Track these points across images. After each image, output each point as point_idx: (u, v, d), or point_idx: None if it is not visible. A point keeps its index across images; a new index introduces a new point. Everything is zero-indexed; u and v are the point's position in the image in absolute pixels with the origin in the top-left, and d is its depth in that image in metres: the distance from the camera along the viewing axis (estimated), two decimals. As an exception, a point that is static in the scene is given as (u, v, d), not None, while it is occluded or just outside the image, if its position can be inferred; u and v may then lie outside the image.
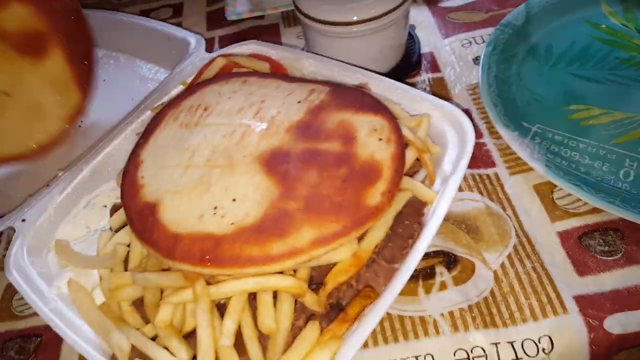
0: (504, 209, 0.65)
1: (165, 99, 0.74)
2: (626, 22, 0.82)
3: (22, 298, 0.60)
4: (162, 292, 0.52)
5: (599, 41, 0.80)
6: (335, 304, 0.49)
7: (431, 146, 0.61)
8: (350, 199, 0.49)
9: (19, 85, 0.72)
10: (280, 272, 0.49)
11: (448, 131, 0.62)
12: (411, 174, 0.59)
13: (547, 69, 0.78)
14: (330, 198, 0.49)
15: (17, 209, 0.63)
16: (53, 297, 0.56)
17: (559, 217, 0.63)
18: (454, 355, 0.54)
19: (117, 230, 0.60)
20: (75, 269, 0.59)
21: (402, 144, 0.56)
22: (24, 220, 0.62)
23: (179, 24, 1.02)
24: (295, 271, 0.50)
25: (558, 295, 0.56)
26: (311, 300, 0.48)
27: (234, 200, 0.51)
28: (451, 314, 0.56)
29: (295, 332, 0.48)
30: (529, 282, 0.58)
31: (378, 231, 0.50)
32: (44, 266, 0.60)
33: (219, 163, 0.55)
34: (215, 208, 0.50)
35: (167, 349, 0.48)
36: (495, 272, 0.59)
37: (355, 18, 0.73)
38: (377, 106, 0.60)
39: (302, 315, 0.49)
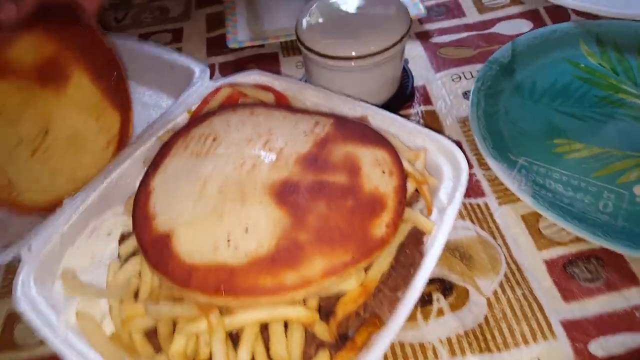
0: (494, 237, 0.69)
1: (170, 126, 0.76)
2: (603, 62, 0.88)
3: (25, 327, 0.60)
4: (174, 323, 0.53)
5: (579, 79, 0.86)
6: (343, 332, 0.52)
7: (428, 178, 0.65)
8: (358, 231, 0.52)
9: (52, 121, 0.70)
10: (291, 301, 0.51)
11: (443, 164, 0.66)
12: (410, 203, 0.63)
13: (531, 104, 0.84)
14: (339, 229, 0.52)
15: (23, 238, 0.64)
16: (63, 328, 0.56)
17: (545, 245, 0.67)
18: (452, 379, 0.57)
19: (125, 259, 0.61)
20: (82, 298, 0.60)
21: (404, 177, 0.59)
22: (29, 249, 0.62)
23: (178, 49, 1.04)
24: (305, 301, 0.52)
25: (547, 321, 0.60)
26: (321, 330, 0.51)
27: (246, 231, 0.53)
28: (449, 339, 0.60)
29: (305, 360, 0.50)
30: (519, 308, 0.62)
31: (383, 261, 0.54)
32: (51, 296, 0.61)
33: (230, 194, 0.57)
34: (229, 239, 0.53)
35: (181, 376, 0.50)
36: (488, 299, 0.63)
37: (353, 53, 0.77)
38: (379, 139, 0.63)
39: (312, 344, 0.51)
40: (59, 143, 0.72)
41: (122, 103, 0.76)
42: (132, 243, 0.62)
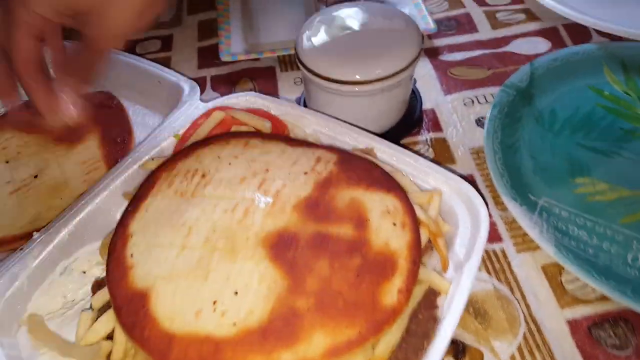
0: (512, 291, 0.62)
1: (155, 152, 0.68)
2: (629, 90, 0.82)
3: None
4: (150, 395, 0.46)
5: (603, 109, 0.80)
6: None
7: (443, 226, 0.58)
8: (365, 298, 0.45)
9: (47, 168, 0.75)
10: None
11: (458, 207, 0.59)
12: (421, 257, 0.56)
13: (551, 136, 0.77)
14: (343, 296, 0.45)
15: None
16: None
17: (568, 303, 0.61)
18: None
19: (99, 310, 0.54)
20: (50, 352, 0.53)
21: (418, 230, 0.52)
22: (-9, 290, 0.55)
23: (167, 59, 0.96)
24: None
25: (571, 394, 0.54)
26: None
27: (235, 293, 0.46)
28: (461, 412, 0.53)
29: None
30: (540, 376, 0.55)
31: (394, 335, 0.47)
32: (13, 346, 0.54)
33: (219, 245, 0.50)
34: (215, 302, 0.46)
35: None
36: (504, 364, 0.56)
37: (358, 77, 0.69)
38: (389, 182, 0.56)
39: None
40: (42, 187, 0.73)
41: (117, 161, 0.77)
42: (106, 293, 0.54)
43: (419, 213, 0.56)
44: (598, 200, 0.69)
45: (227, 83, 0.90)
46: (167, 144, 0.70)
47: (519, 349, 0.57)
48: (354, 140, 0.67)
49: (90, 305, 0.55)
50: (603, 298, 0.60)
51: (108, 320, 0.51)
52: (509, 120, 0.77)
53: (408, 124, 0.80)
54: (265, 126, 0.68)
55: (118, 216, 0.64)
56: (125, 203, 0.62)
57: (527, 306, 0.60)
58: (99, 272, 0.60)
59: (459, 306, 0.50)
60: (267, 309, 0.45)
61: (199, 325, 0.44)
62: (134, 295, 0.48)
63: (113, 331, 0.51)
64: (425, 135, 0.80)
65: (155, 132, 0.69)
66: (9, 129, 0.80)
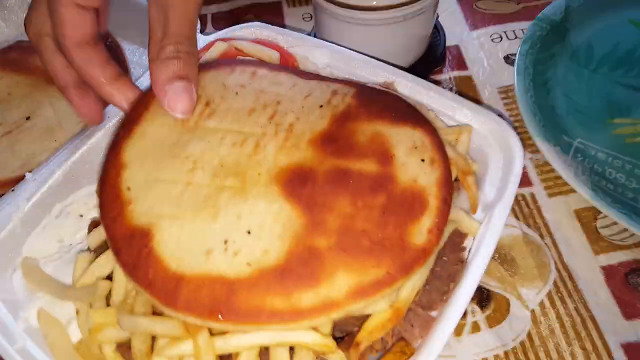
0: (541, 236, 0.58)
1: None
2: (673, 24, 0.74)
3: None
4: (153, 338, 0.43)
5: (645, 44, 0.73)
6: (364, 361, 0.42)
7: (472, 165, 0.53)
8: (393, 237, 0.41)
9: (40, 109, 0.71)
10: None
11: (489, 145, 0.54)
12: (447, 197, 0.51)
13: (587, 73, 0.70)
14: (368, 234, 0.41)
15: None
16: (20, 333, 0.46)
17: (603, 249, 0.56)
18: (489, 410, 0.48)
19: (96, 251, 0.50)
20: (46, 295, 0.49)
21: (449, 167, 0.47)
22: (-17, 231, 0.51)
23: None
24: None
25: (604, 343, 0.50)
26: (337, 359, 0.40)
27: (248, 232, 0.42)
28: (485, 360, 0.50)
29: (316, 393, 0.40)
30: (571, 325, 0.52)
31: (420, 276, 0.42)
32: (8, 290, 0.50)
33: (228, 181, 0.45)
34: (226, 242, 0.41)
35: (161, 410, 0.40)
36: (533, 312, 0.53)
37: (375, 3, 0.63)
38: (415, 116, 0.51)
39: (325, 373, 0.41)
40: (35, 130, 0.69)
41: None
42: (103, 232, 0.50)
43: (447, 149, 0.50)
44: (639, 142, 0.63)
45: (230, 21, 0.83)
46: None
47: (549, 296, 0.53)
48: (372, 74, 0.61)
49: (88, 247, 0.51)
50: (641, 244, 0.56)
51: (106, 261, 0.47)
52: (541, 57, 0.71)
53: (430, 61, 0.74)
54: (273, 57, 0.62)
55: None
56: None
57: (559, 252, 0.56)
58: (95, 215, 0.56)
59: (489, 249, 0.46)
60: (283, 248, 0.40)
61: (210, 265, 0.40)
62: (134, 233, 0.43)
63: (112, 272, 0.47)
64: (449, 74, 0.74)
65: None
66: (-3, 68, 0.75)
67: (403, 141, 0.47)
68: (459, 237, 0.49)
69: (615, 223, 0.57)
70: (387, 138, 0.47)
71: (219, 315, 0.38)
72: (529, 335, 0.51)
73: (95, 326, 0.44)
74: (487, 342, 0.51)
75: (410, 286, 0.42)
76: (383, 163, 0.45)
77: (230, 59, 0.61)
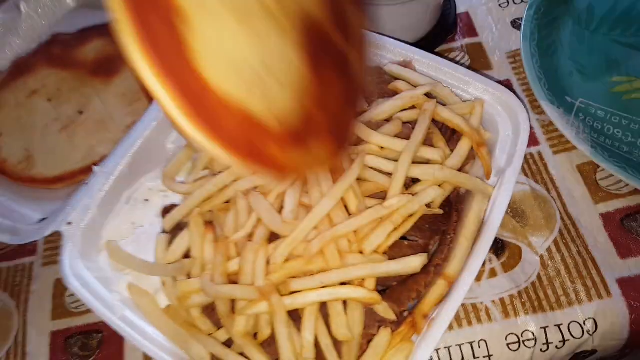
0: (548, 190, 0.66)
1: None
2: (671, -21, 0.78)
3: (73, 294, 0.61)
4: (233, 301, 0.52)
5: (643, 2, 0.77)
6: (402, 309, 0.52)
7: (484, 134, 0.60)
8: None
9: (91, 103, 0.76)
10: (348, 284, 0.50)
11: (499, 115, 0.61)
12: (464, 165, 0.59)
13: (588, 34, 0.75)
14: None
15: (60, 211, 0.62)
16: (118, 304, 0.56)
17: (602, 198, 0.64)
18: (506, 339, 0.58)
19: (171, 232, 0.59)
20: (132, 272, 0.59)
21: None
22: (69, 223, 0.60)
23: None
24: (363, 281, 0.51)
25: (602, 279, 0.59)
26: (383, 309, 0.50)
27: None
28: (502, 300, 0.60)
29: (366, 338, 0.50)
30: (574, 266, 0.61)
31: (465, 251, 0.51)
32: (98, 270, 0.60)
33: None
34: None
35: (245, 357, 0.50)
36: (541, 257, 0.62)
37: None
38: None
39: (373, 322, 0.51)
40: (89, 122, 0.75)
41: None
42: (176, 216, 0.59)
43: (462, 124, 0.58)
44: (634, 98, 0.70)
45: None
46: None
47: (555, 242, 0.62)
48: (390, 53, 0.67)
49: (164, 229, 0.61)
50: (635, 192, 0.64)
51: (183, 240, 0.57)
52: (546, 21, 0.76)
53: (443, 30, 0.79)
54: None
55: (169, 147, 0.68)
56: (176, 135, 0.65)
57: (563, 204, 0.65)
58: (160, 199, 0.65)
59: (501, 208, 0.54)
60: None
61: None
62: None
63: (189, 249, 0.57)
64: (461, 41, 0.79)
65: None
66: (45, 66, 0.80)
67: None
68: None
69: (612, 175, 0.65)
70: None
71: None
72: (539, 276, 0.61)
73: (183, 294, 0.54)
74: (503, 284, 0.60)
75: (459, 258, 0.51)
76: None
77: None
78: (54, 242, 0.69)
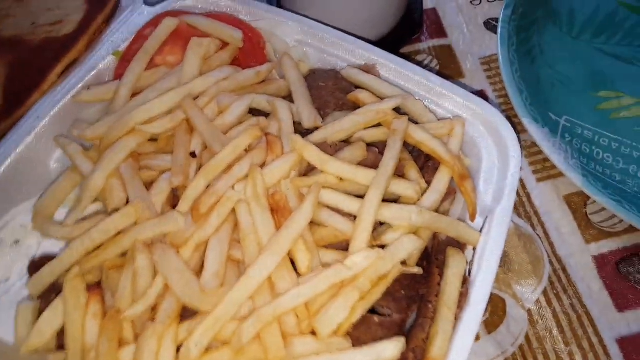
0: (533, 227, 0.55)
1: (90, 77, 0.52)
2: (655, -16, 0.70)
3: None
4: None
5: (626, 8, 0.68)
6: None
7: (464, 161, 0.48)
8: None
9: None
10: None
11: (482, 138, 0.49)
12: (442, 202, 0.46)
13: (570, 40, 0.66)
14: None
15: None
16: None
17: (594, 237, 0.55)
18: (491, 420, 0.46)
19: (40, 298, 0.41)
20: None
21: None
22: None
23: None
24: None
25: (600, 340, 0.49)
26: None
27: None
28: (486, 370, 0.48)
29: None
30: (568, 323, 0.50)
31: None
32: None
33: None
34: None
35: None
36: (529, 311, 0.51)
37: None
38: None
39: None
40: None
41: None
42: (45, 276, 0.41)
43: (440, 150, 0.45)
44: (623, 117, 0.61)
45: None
46: (106, 66, 0.53)
47: (545, 293, 0.51)
48: (349, 54, 0.54)
49: (30, 294, 0.42)
50: (631, 230, 0.54)
51: (55, 314, 0.39)
52: (524, 23, 0.65)
53: (408, 27, 0.66)
54: (235, 37, 0.52)
55: (52, 165, 0.50)
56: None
57: (551, 244, 0.54)
58: (36, 241, 0.47)
59: (493, 262, 0.42)
60: None
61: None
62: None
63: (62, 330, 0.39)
64: (427, 43, 0.67)
65: (89, 54, 0.52)
66: None
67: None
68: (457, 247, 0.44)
69: (604, 209, 0.55)
70: None
71: None
72: (527, 337, 0.50)
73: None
74: (487, 350, 0.49)
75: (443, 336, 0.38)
76: None
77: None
78: None
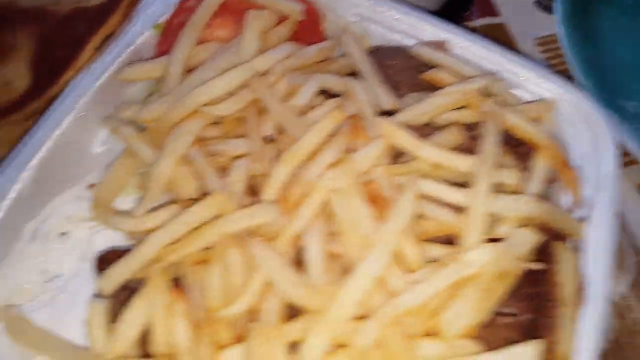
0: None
1: (127, 55, 0.45)
2: None
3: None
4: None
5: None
6: None
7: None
8: None
9: None
10: None
11: (571, 126, 0.45)
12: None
13: (627, 20, 0.63)
14: None
15: None
16: None
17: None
18: None
19: (115, 297, 0.35)
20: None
21: None
22: None
23: None
24: None
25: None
26: None
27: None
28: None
29: None
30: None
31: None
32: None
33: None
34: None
35: None
36: (616, 304, 0.48)
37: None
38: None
39: None
40: None
41: None
42: (121, 273, 0.35)
43: (538, 135, 0.41)
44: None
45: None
46: (144, 41, 0.47)
47: (633, 285, 0.48)
48: (416, 30, 0.49)
49: (99, 290, 0.36)
50: None
51: (136, 315, 0.33)
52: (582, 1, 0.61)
53: (457, 5, 0.62)
54: (294, 10, 0.47)
55: (97, 151, 0.44)
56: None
57: (630, 235, 0.51)
58: (85, 232, 0.41)
59: (605, 255, 0.38)
60: None
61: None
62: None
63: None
64: (478, 22, 0.63)
65: (125, 29, 0.45)
66: None
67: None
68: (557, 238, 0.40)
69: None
70: None
71: None
72: (616, 331, 0.46)
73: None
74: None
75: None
76: None
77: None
78: None
